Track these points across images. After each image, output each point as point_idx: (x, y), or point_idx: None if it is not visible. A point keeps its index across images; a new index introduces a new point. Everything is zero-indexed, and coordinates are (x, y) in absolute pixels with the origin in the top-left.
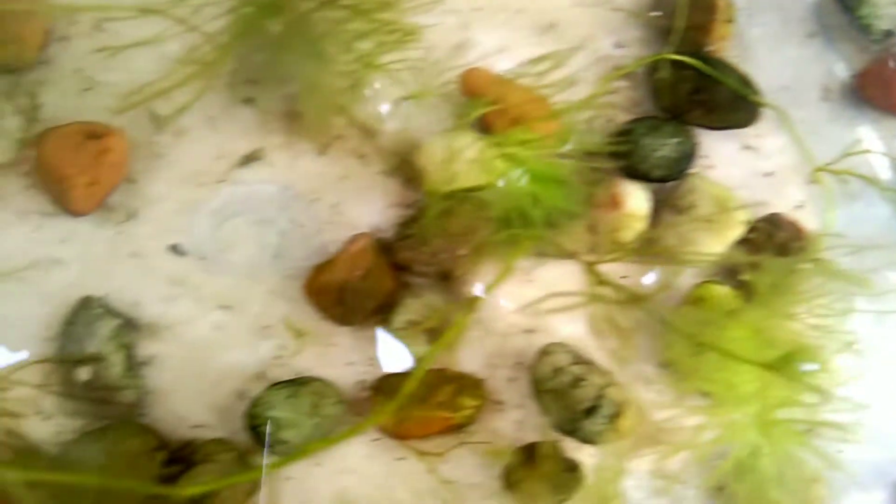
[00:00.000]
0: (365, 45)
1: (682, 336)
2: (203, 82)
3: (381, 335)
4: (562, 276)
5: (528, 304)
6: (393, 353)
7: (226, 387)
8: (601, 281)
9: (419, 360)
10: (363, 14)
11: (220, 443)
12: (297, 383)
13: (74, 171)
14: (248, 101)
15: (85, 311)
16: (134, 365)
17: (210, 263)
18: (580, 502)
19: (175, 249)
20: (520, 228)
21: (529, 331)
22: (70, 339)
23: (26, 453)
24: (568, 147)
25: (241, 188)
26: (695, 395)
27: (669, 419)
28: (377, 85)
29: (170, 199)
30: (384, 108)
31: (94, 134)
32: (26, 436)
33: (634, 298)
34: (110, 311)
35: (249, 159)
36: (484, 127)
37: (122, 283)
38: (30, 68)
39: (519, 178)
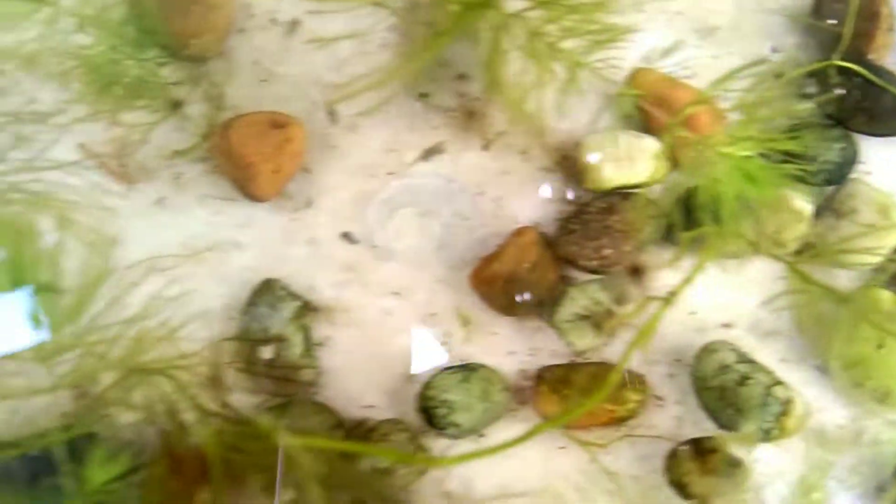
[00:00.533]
0: (564, 44)
1: (864, 335)
2: (389, 77)
3: (544, 327)
4: (726, 273)
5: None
6: (554, 346)
7: (395, 370)
8: (805, 279)
9: (581, 353)
10: (565, 12)
11: (393, 423)
12: (468, 368)
13: (259, 158)
14: (422, 95)
15: (268, 292)
16: (311, 346)
17: (380, 252)
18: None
19: (347, 237)
20: (687, 225)
21: (691, 328)
22: (254, 319)
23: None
24: (736, 146)
25: (409, 181)
26: (863, 394)
27: (835, 418)
28: (553, 82)
29: (342, 189)
30: (550, 104)
31: (278, 123)
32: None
33: (838, 297)
34: (291, 294)
35: (431, 153)
36: (649, 125)
37: (297, 267)
38: (213, 58)
39: (691, 176)
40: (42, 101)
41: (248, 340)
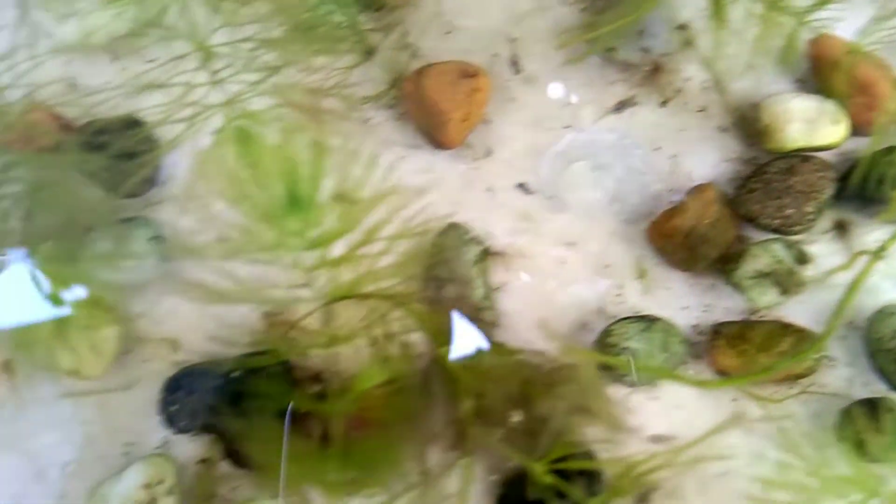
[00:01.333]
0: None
1: None
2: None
3: (718, 284)
4: None
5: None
6: (727, 303)
7: (567, 317)
8: None
9: (758, 311)
10: None
11: (572, 368)
12: (648, 319)
13: (451, 106)
14: (608, 50)
15: (454, 236)
16: (490, 290)
17: (554, 202)
18: None
19: (523, 187)
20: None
21: (863, 291)
22: (439, 261)
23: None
24: None
25: (584, 135)
26: None
27: None
28: (732, 42)
29: (519, 141)
30: (734, 65)
31: (468, 73)
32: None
33: None
34: (473, 238)
35: (623, 105)
36: (829, 90)
37: (476, 214)
38: (404, 8)
39: (876, 141)
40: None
41: (434, 280)
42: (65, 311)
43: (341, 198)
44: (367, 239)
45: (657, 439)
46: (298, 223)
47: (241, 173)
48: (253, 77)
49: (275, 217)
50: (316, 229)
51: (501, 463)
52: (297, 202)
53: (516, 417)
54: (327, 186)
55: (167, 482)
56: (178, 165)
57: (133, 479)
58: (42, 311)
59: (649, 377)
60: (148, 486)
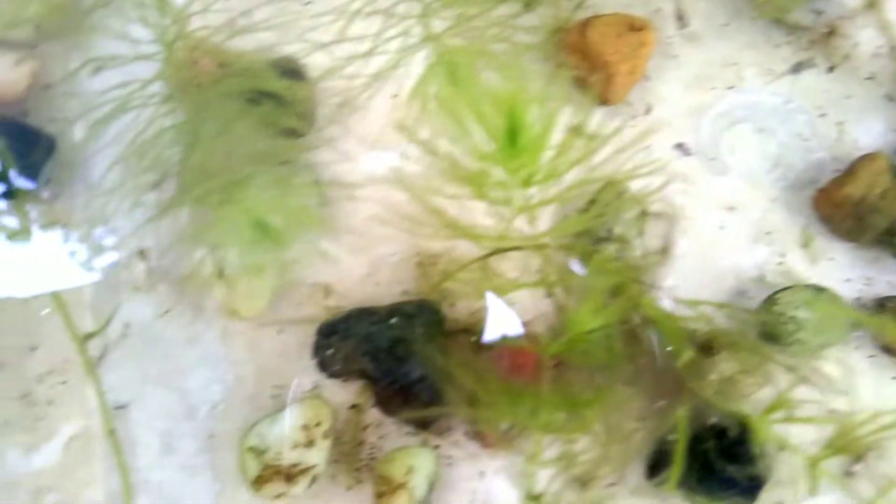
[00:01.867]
0: None
1: None
2: None
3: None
4: None
5: None
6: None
7: (726, 283)
8: None
9: None
10: None
11: (732, 334)
12: (815, 289)
13: (617, 58)
14: (777, 9)
15: (613, 194)
16: (647, 251)
17: (714, 165)
18: None
19: (682, 148)
20: None
21: None
22: (597, 219)
23: None
24: None
25: (747, 97)
26: None
27: None
28: None
29: (679, 100)
30: None
31: (635, 26)
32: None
33: None
34: (633, 198)
35: (799, 67)
36: None
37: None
38: None
39: None
40: None
41: (591, 237)
42: (224, 250)
43: (574, 131)
44: (580, 184)
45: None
46: (515, 161)
47: (452, 109)
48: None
49: (490, 154)
50: (530, 168)
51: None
52: (515, 139)
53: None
54: (546, 125)
55: (324, 425)
56: (335, 107)
57: (291, 420)
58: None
59: (818, 346)
60: (306, 427)
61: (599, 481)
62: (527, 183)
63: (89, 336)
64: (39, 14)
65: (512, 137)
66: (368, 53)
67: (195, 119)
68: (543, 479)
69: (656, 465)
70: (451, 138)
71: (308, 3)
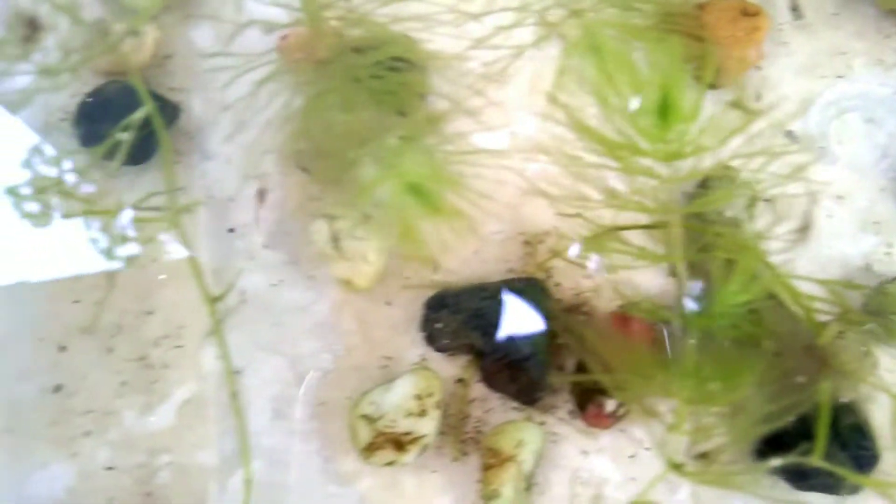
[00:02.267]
0: None
1: None
2: None
3: None
4: None
5: None
6: None
7: (832, 272)
8: None
9: None
10: None
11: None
12: None
13: (730, 42)
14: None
15: (725, 178)
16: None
17: (822, 153)
18: None
19: (790, 135)
20: None
21: None
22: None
23: None
24: None
25: (855, 86)
26: None
27: None
28: None
29: (788, 87)
30: None
31: (749, 11)
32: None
33: None
34: (744, 183)
35: None
36: None
37: (742, 159)
38: None
39: None
40: None
41: (701, 220)
42: (341, 221)
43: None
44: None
45: None
46: (664, 133)
47: (598, 82)
48: None
49: (639, 126)
50: (679, 142)
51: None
52: (667, 112)
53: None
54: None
55: (435, 396)
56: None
57: (405, 389)
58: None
59: None
60: (419, 397)
61: (724, 455)
62: (674, 156)
63: (216, 299)
64: None
65: (664, 110)
66: (512, 26)
67: (321, 90)
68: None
69: (777, 442)
70: (597, 110)
71: None
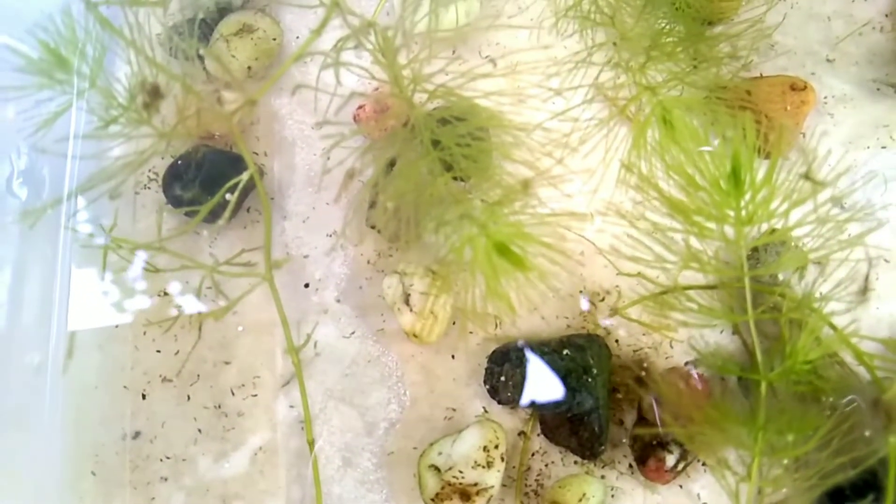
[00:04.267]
0: None
1: None
2: None
3: None
4: None
5: None
6: None
7: (880, 332)
8: None
9: None
10: None
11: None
12: None
13: (781, 115)
14: None
15: (778, 241)
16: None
17: (868, 218)
18: None
19: (836, 201)
20: None
21: None
22: (759, 262)
23: None
24: None
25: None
26: None
27: None
28: None
29: (835, 155)
30: None
31: (797, 86)
32: None
33: None
34: (795, 246)
35: None
36: None
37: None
38: (729, 21)
39: None
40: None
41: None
42: (410, 277)
43: (805, 176)
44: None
45: None
46: (736, 200)
47: (671, 152)
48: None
49: (713, 194)
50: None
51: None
52: (739, 181)
53: None
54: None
55: (501, 447)
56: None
57: (472, 440)
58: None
59: None
60: (485, 448)
61: None
62: (746, 222)
63: (297, 350)
64: (250, 57)
65: (736, 181)
66: (589, 101)
67: (397, 155)
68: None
69: (840, 496)
70: (670, 177)
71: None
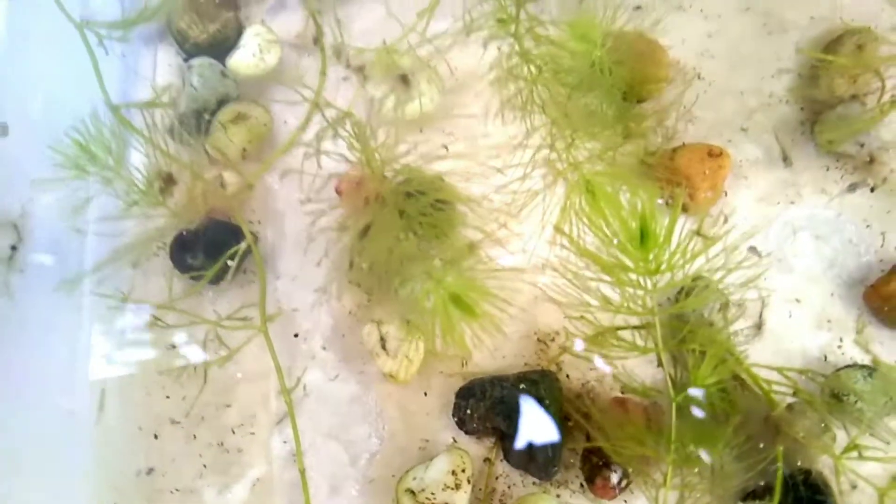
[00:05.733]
0: None
1: None
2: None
3: None
4: None
5: None
6: None
7: (795, 363)
8: None
9: None
10: None
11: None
12: (869, 367)
13: (700, 178)
14: (829, 142)
15: (700, 285)
16: (730, 335)
17: (781, 265)
18: None
19: (753, 250)
20: None
21: None
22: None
23: None
24: None
25: (805, 210)
26: None
27: None
28: None
29: (751, 211)
30: None
31: (714, 153)
32: None
33: None
34: (718, 290)
35: (853, 188)
36: None
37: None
38: (654, 100)
39: None
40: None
41: (684, 322)
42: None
43: (697, 233)
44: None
45: None
46: (645, 256)
47: (593, 217)
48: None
49: (625, 250)
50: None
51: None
52: (646, 240)
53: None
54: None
55: (467, 472)
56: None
57: (442, 466)
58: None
59: (875, 413)
60: (454, 472)
61: None
62: (653, 272)
63: (289, 392)
64: (245, 141)
65: (643, 237)
66: (526, 176)
67: (373, 221)
68: None
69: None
70: (595, 238)
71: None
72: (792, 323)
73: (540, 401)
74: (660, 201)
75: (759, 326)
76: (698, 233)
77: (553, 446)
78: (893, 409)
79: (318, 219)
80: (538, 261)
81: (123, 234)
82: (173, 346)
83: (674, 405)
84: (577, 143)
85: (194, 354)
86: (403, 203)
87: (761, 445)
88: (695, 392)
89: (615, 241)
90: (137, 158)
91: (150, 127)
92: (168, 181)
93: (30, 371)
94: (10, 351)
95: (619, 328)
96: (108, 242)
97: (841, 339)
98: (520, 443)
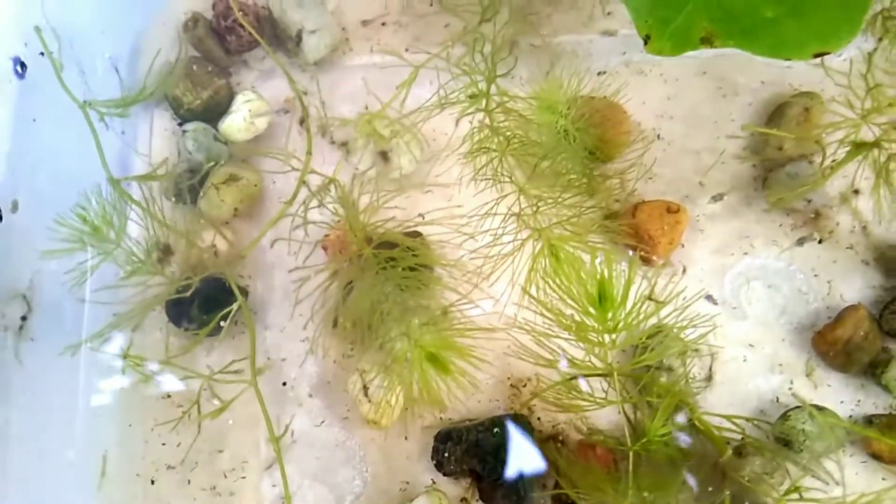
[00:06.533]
0: None
1: None
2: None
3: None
4: None
5: None
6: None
7: (750, 404)
8: None
9: None
10: None
11: (756, 441)
12: (817, 408)
13: (659, 233)
14: (778, 200)
15: (659, 335)
16: (688, 378)
17: (736, 312)
18: None
19: (710, 299)
20: None
21: None
22: (648, 351)
23: None
24: None
25: (758, 261)
26: None
27: None
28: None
29: (707, 262)
30: (878, 217)
31: (671, 209)
32: None
33: None
34: (676, 336)
35: (802, 241)
36: None
37: (674, 318)
38: (617, 161)
39: None
40: None
41: (646, 368)
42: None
43: (647, 297)
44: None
45: None
46: (603, 314)
47: (556, 278)
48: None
49: (586, 310)
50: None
51: None
52: (604, 301)
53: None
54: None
55: None
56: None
57: None
58: (350, 376)
59: (821, 452)
60: None
61: None
62: (612, 330)
63: (278, 438)
64: (236, 200)
65: (602, 300)
66: (496, 241)
67: (355, 276)
68: None
69: None
70: (558, 297)
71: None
72: (746, 367)
73: (512, 444)
74: (623, 264)
75: (709, 378)
76: (650, 297)
77: (524, 486)
78: (838, 446)
79: (304, 283)
80: (509, 319)
81: (123, 301)
82: (168, 396)
83: (630, 454)
84: (542, 210)
85: (188, 404)
86: (384, 265)
87: (709, 489)
88: (649, 440)
89: (576, 304)
90: (136, 230)
91: (148, 199)
92: (165, 252)
93: (39, 430)
94: (24, 416)
95: (586, 374)
96: (108, 309)
97: (791, 382)
98: (494, 483)
